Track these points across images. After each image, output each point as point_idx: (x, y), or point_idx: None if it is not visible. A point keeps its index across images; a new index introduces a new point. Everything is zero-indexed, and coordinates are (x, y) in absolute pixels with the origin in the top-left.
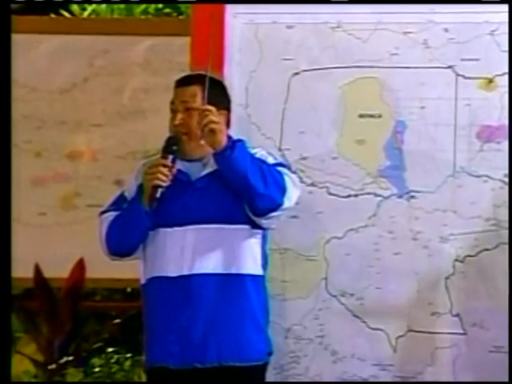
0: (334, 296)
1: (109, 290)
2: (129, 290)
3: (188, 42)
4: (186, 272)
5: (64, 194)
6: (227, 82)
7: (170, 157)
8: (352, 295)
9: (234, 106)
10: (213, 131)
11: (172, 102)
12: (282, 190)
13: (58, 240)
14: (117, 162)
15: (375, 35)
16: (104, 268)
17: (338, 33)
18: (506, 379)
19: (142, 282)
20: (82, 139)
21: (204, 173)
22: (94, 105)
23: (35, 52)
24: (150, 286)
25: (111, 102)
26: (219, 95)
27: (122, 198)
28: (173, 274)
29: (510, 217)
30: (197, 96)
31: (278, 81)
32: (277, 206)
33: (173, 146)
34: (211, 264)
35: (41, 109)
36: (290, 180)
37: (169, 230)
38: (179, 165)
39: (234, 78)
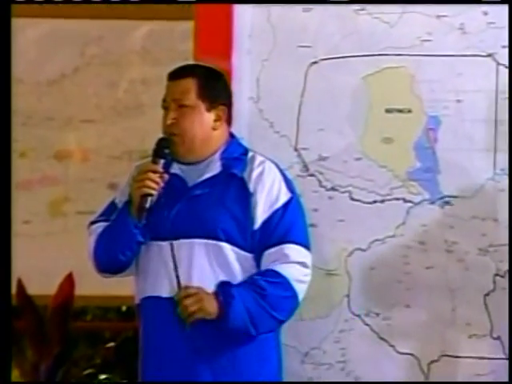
0: (358, 316)
1: (102, 309)
2: (124, 308)
3: (192, 28)
4: (173, 292)
5: (52, 199)
6: (236, 73)
7: (162, 161)
8: (378, 315)
9: (243, 100)
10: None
11: (164, 100)
12: (293, 304)
13: (45, 251)
14: (111, 163)
15: (404, 19)
16: (96, 283)
17: (362, 16)
18: None
19: (136, 301)
20: (72, 137)
21: (203, 178)
22: (85, 98)
23: (19, 39)
24: (144, 307)
25: (105, 96)
26: (215, 89)
27: (112, 206)
28: (166, 294)
29: (510, 217)
30: (190, 91)
31: (294, 71)
32: (292, 313)
33: (165, 149)
34: (208, 285)
35: (26, 103)
36: (296, 279)
37: (162, 243)
38: (175, 168)
39: (243, 68)
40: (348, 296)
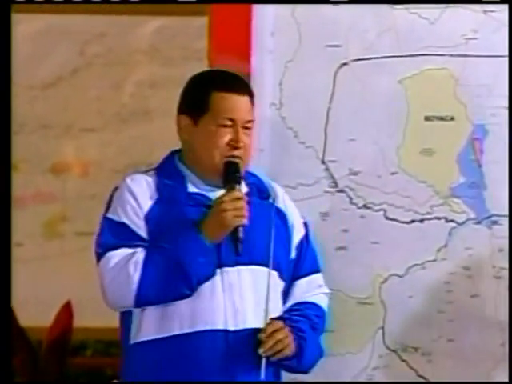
0: (394, 351)
1: (103, 343)
2: None
3: (207, 23)
4: (241, 325)
5: (47, 218)
6: (256, 75)
7: (238, 187)
8: (416, 350)
9: (264, 106)
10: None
11: (230, 118)
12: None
13: (39, 278)
14: (115, 178)
15: (447, 14)
16: (97, 314)
17: (399, 11)
18: None
19: (159, 335)
20: (70, 148)
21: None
22: (86, 104)
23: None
24: (195, 341)
25: (108, 100)
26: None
27: (125, 229)
28: (232, 326)
29: (510, 221)
30: (252, 111)
31: (322, 73)
32: None
33: (236, 174)
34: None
35: (18, 109)
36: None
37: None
38: (195, 188)
39: (264, 70)
40: (383, 328)
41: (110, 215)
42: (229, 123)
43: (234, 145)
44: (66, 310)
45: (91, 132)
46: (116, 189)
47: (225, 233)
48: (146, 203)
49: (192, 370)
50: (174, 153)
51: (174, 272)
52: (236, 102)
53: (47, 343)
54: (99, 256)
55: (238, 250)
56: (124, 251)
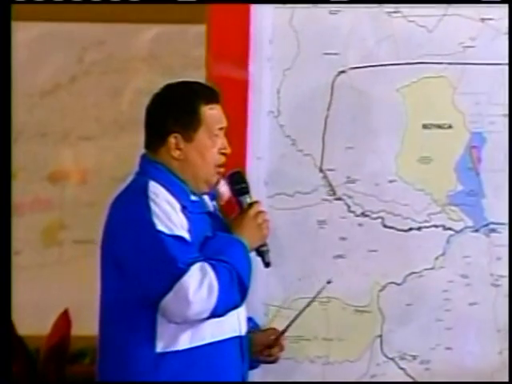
0: (392, 359)
1: None
2: None
3: (205, 31)
4: (245, 329)
5: (45, 226)
6: (254, 83)
7: (248, 196)
8: (414, 358)
9: (262, 114)
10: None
11: (221, 128)
12: None
13: (37, 286)
14: (113, 186)
15: (444, 22)
16: (95, 322)
17: (397, 19)
18: None
19: (198, 343)
20: (68, 155)
21: (212, 202)
22: (84, 111)
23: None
24: (223, 348)
25: (107, 108)
26: None
27: (185, 242)
28: (243, 331)
29: (509, 222)
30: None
31: (320, 81)
32: None
33: (244, 183)
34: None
35: (16, 116)
36: None
37: None
38: (194, 196)
39: (262, 78)
40: (380, 336)
41: (162, 229)
42: (219, 132)
43: (223, 151)
44: (64, 318)
45: (89, 140)
46: (136, 191)
47: (256, 244)
48: (180, 214)
49: (219, 376)
50: (151, 159)
51: (236, 284)
52: (220, 111)
53: (45, 351)
54: (180, 270)
55: (268, 260)
56: (198, 265)
